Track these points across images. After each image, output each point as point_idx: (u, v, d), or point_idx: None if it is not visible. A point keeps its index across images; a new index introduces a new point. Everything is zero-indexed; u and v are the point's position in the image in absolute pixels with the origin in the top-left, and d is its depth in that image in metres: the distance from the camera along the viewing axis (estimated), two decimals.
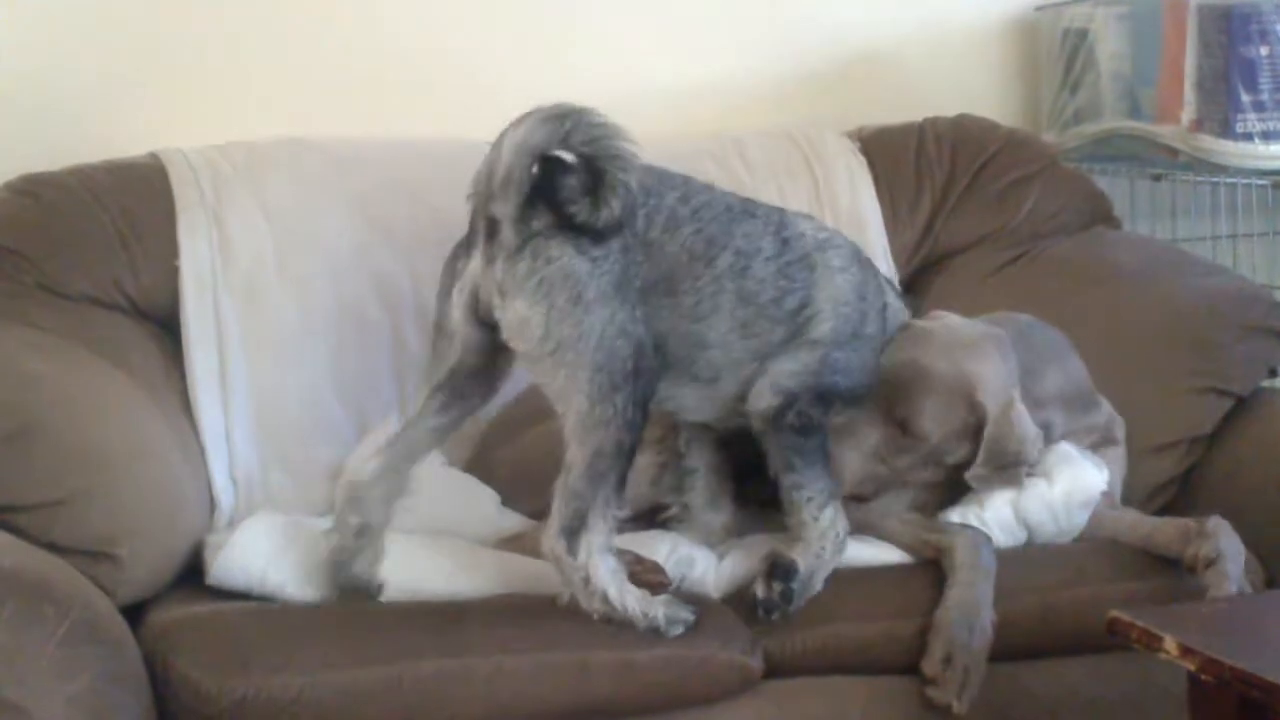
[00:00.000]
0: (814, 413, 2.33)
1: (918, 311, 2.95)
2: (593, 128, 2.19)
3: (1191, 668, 1.93)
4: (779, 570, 2.30)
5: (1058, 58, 3.34)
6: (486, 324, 2.27)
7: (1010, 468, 2.40)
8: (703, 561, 2.41)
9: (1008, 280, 2.95)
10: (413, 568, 2.36)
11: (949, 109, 3.19)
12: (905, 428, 2.40)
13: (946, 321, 2.50)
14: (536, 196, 2.20)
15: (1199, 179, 3.14)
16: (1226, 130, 3.02)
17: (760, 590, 2.30)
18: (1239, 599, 2.31)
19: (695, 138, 3.09)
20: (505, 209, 2.20)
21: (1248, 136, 3.01)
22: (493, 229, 2.22)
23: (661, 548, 2.40)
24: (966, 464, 2.42)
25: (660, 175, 2.36)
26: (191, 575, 2.39)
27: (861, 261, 2.45)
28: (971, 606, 2.30)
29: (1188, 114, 3.09)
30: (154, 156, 2.79)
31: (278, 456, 2.63)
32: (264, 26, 3.02)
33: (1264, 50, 3.00)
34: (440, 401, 2.33)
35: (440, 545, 2.43)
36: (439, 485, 2.58)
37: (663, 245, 2.29)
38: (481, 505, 2.60)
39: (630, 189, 2.19)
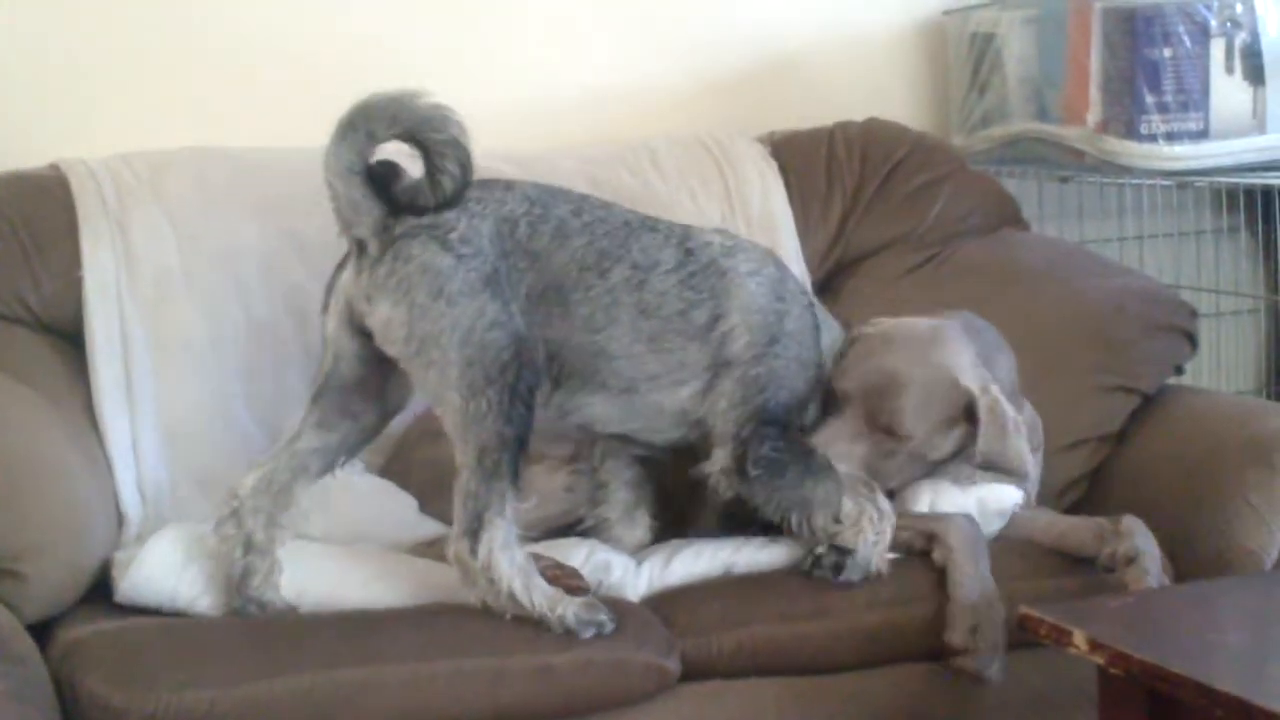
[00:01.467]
0: (772, 452, 2.32)
1: (832, 314, 2.98)
2: (386, 109, 2.18)
3: (1100, 662, 1.94)
4: (836, 551, 2.35)
5: (965, 61, 3.36)
6: (365, 334, 2.27)
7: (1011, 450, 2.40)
8: (620, 566, 2.40)
9: (918, 282, 2.97)
10: (327, 577, 2.35)
11: (858, 113, 3.20)
12: (890, 431, 2.40)
13: (898, 323, 2.49)
14: (391, 206, 2.23)
15: (1105, 180, 3.17)
16: (1131, 131, 3.04)
17: (819, 551, 2.35)
18: (1146, 594, 2.33)
19: (607, 144, 3.09)
20: (364, 230, 2.23)
21: (1152, 138, 3.04)
22: (362, 246, 2.25)
23: (578, 553, 2.39)
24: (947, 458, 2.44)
25: (553, 191, 2.38)
26: (100, 591, 2.36)
27: (776, 263, 2.46)
28: (980, 579, 2.33)
29: (1093, 116, 3.11)
30: (55, 167, 2.76)
31: (186, 469, 2.60)
32: (165, 36, 2.99)
33: (1168, 52, 3.02)
34: (319, 416, 2.33)
35: (355, 553, 2.41)
36: (356, 491, 2.57)
37: (550, 255, 2.30)
38: (399, 510, 2.58)
39: (456, 141, 2.19)
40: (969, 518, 2.42)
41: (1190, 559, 2.45)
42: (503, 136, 3.09)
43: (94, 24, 2.96)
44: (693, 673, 2.30)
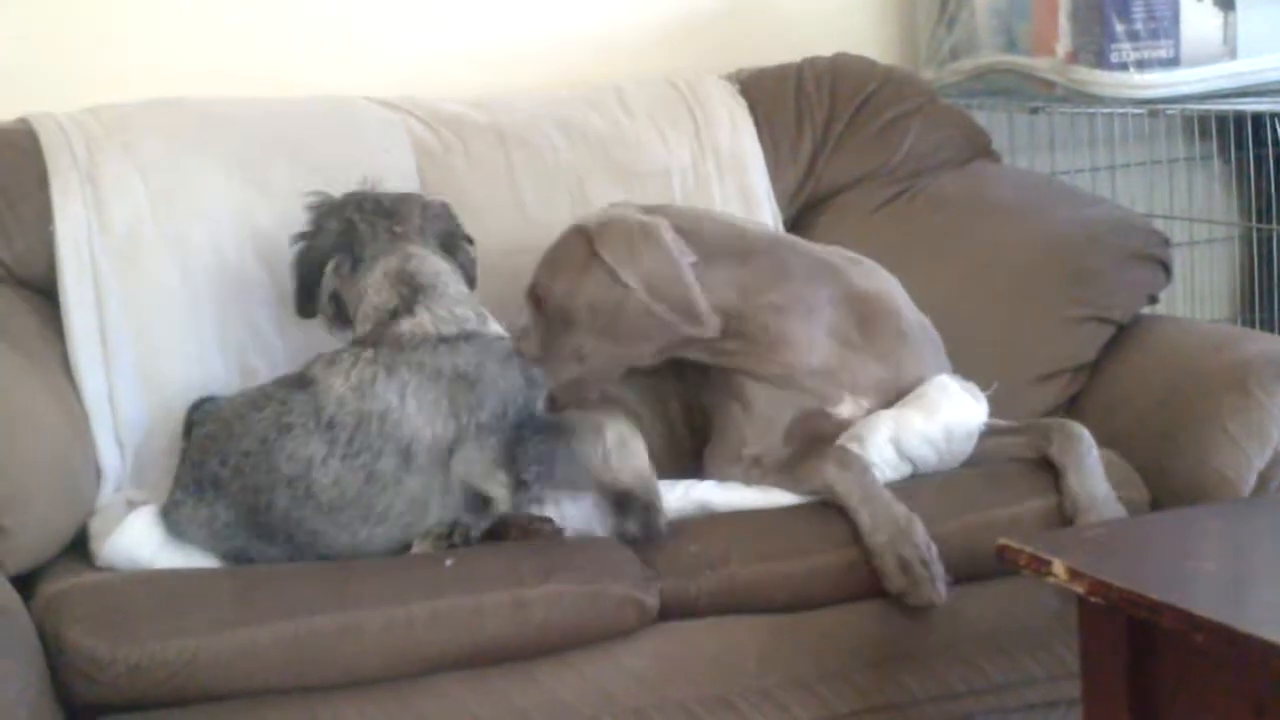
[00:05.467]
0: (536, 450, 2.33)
1: None
2: None
3: (1080, 590, 1.95)
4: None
5: None
6: None
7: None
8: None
9: (890, 217, 2.97)
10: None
11: (826, 49, 3.18)
12: (539, 299, 2.45)
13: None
14: None
15: (1076, 111, 3.17)
16: (1101, 60, 3.03)
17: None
18: (1124, 522, 2.35)
19: (574, 86, 3.08)
20: None
21: (1123, 66, 3.03)
22: None
23: None
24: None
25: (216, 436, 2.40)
26: (82, 543, 2.37)
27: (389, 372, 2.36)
28: (883, 514, 2.32)
29: (1063, 45, 3.11)
30: (24, 121, 2.74)
31: (163, 417, 2.59)
32: None
33: None
34: None
35: None
36: None
37: (233, 494, 2.35)
38: None
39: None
40: (846, 452, 2.41)
41: (1167, 486, 2.46)
42: (468, 82, 3.08)
43: None
44: (672, 612, 2.31)
